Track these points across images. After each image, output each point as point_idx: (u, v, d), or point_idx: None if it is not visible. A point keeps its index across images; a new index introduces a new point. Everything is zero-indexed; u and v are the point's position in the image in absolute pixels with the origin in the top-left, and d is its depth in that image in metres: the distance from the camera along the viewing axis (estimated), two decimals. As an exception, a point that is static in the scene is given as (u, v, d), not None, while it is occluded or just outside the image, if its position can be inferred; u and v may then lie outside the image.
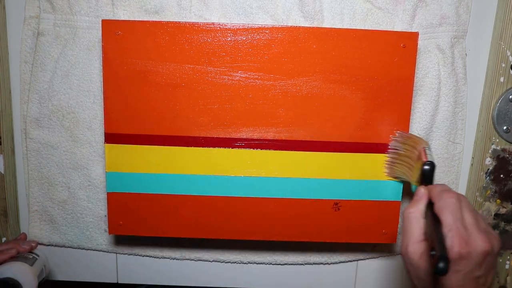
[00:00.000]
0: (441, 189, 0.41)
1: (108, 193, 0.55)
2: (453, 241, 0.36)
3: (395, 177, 0.55)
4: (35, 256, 0.56)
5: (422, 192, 0.43)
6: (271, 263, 0.65)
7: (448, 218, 0.38)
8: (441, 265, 0.34)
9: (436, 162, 0.47)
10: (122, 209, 0.56)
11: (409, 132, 0.55)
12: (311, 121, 0.54)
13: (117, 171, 0.55)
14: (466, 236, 0.37)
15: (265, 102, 0.53)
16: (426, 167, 0.46)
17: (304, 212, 0.56)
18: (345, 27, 0.57)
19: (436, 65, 0.58)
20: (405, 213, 0.42)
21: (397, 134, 0.54)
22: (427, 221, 0.40)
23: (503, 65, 0.58)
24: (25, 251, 0.55)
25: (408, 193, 0.62)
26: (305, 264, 0.65)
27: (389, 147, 0.54)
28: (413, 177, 0.50)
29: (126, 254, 0.65)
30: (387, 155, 0.55)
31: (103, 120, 0.53)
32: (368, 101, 0.54)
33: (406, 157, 0.52)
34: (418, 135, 0.56)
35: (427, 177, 0.46)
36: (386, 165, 0.55)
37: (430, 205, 0.41)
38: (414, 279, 0.40)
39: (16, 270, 0.51)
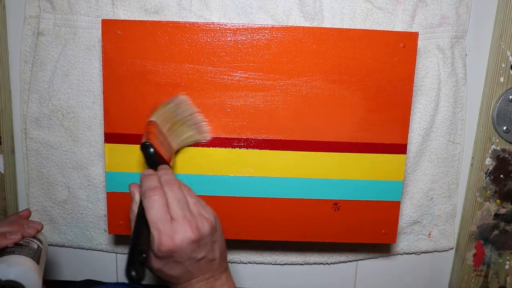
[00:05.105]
0: (147, 186, 0.41)
1: (108, 193, 0.55)
2: (160, 240, 0.38)
3: None
4: (39, 244, 0.48)
5: (131, 190, 0.43)
6: (271, 263, 0.65)
7: (152, 218, 0.39)
8: (132, 273, 0.36)
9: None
10: (122, 209, 0.56)
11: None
12: (311, 121, 0.54)
13: (117, 171, 0.55)
14: (171, 231, 0.38)
15: (265, 102, 0.53)
16: (145, 150, 0.43)
17: (304, 212, 0.56)
18: (345, 27, 0.57)
19: (436, 65, 0.58)
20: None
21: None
22: (138, 220, 0.40)
23: (503, 65, 0.58)
24: (30, 236, 0.48)
25: (408, 193, 0.62)
26: (305, 264, 0.65)
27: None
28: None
29: (126, 254, 0.65)
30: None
31: (103, 120, 0.53)
32: (368, 101, 0.54)
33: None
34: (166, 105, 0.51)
35: (147, 160, 0.44)
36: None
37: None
38: None
39: (21, 271, 0.43)
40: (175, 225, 0.39)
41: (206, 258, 0.41)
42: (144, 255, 0.38)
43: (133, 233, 0.40)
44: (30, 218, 0.62)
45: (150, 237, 0.39)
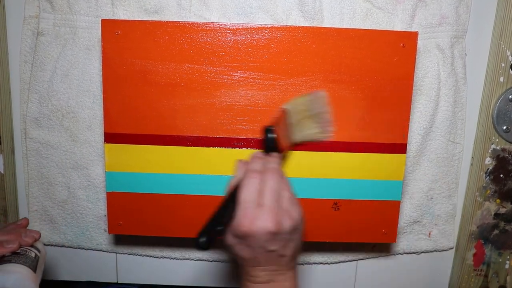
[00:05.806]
0: (250, 167, 0.43)
1: (108, 193, 0.55)
2: (240, 220, 0.39)
3: None
4: (37, 253, 0.49)
5: (238, 165, 0.45)
6: (271, 263, 0.65)
7: (242, 197, 0.40)
8: (202, 239, 0.37)
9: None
10: (122, 209, 0.56)
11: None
12: (311, 121, 0.54)
13: (117, 171, 0.55)
14: (253, 216, 0.39)
15: (265, 102, 0.53)
16: (265, 133, 0.46)
17: (304, 212, 0.56)
18: (344, 26, 0.57)
19: (435, 65, 0.58)
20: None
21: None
22: (230, 193, 0.42)
23: (503, 65, 0.58)
24: (27, 245, 0.48)
25: (407, 193, 0.63)
26: (305, 264, 0.65)
27: None
28: None
29: (126, 254, 0.65)
30: None
31: (103, 120, 0.53)
32: (368, 101, 0.54)
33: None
34: (303, 97, 0.53)
35: (264, 144, 0.47)
36: None
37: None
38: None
39: (17, 279, 0.44)
40: (260, 212, 0.39)
41: (276, 253, 0.41)
42: (221, 228, 0.40)
43: (220, 204, 0.41)
44: (29, 219, 0.63)
45: (233, 213, 0.40)
